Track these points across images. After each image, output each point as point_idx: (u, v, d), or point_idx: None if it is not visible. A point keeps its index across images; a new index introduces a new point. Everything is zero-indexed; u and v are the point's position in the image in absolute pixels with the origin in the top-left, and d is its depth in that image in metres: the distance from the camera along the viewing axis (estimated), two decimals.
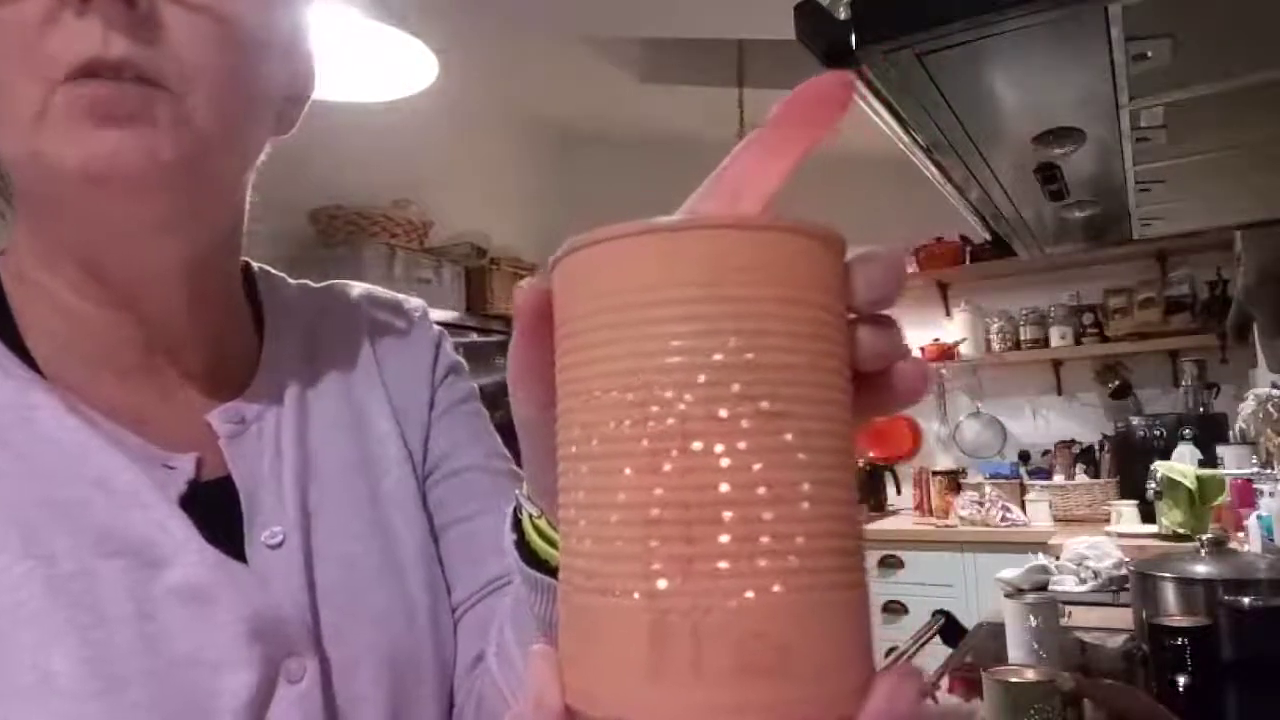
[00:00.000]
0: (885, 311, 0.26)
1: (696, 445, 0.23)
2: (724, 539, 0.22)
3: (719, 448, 0.23)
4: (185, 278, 0.48)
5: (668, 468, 0.23)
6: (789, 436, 0.23)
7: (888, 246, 0.27)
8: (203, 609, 0.43)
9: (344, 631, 0.48)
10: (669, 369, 0.23)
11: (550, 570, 0.37)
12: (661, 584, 0.23)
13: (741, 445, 0.23)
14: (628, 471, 0.23)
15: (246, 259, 0.58)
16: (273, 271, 0.61)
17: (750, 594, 0.22)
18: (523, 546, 0.39)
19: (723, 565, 0.22)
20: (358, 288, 0.63)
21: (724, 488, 0.23)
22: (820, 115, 0.29)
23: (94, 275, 0.46)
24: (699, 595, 0.22)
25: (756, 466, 0.23)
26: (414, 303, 0.65)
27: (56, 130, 0.40)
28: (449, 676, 0.53)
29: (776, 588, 0.22)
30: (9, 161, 0.43)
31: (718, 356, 0.23)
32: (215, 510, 0.47)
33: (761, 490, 0.23)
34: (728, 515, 0.22)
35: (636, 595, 0.23)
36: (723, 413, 0.23)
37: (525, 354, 0.30)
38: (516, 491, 0.39)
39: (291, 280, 0.62)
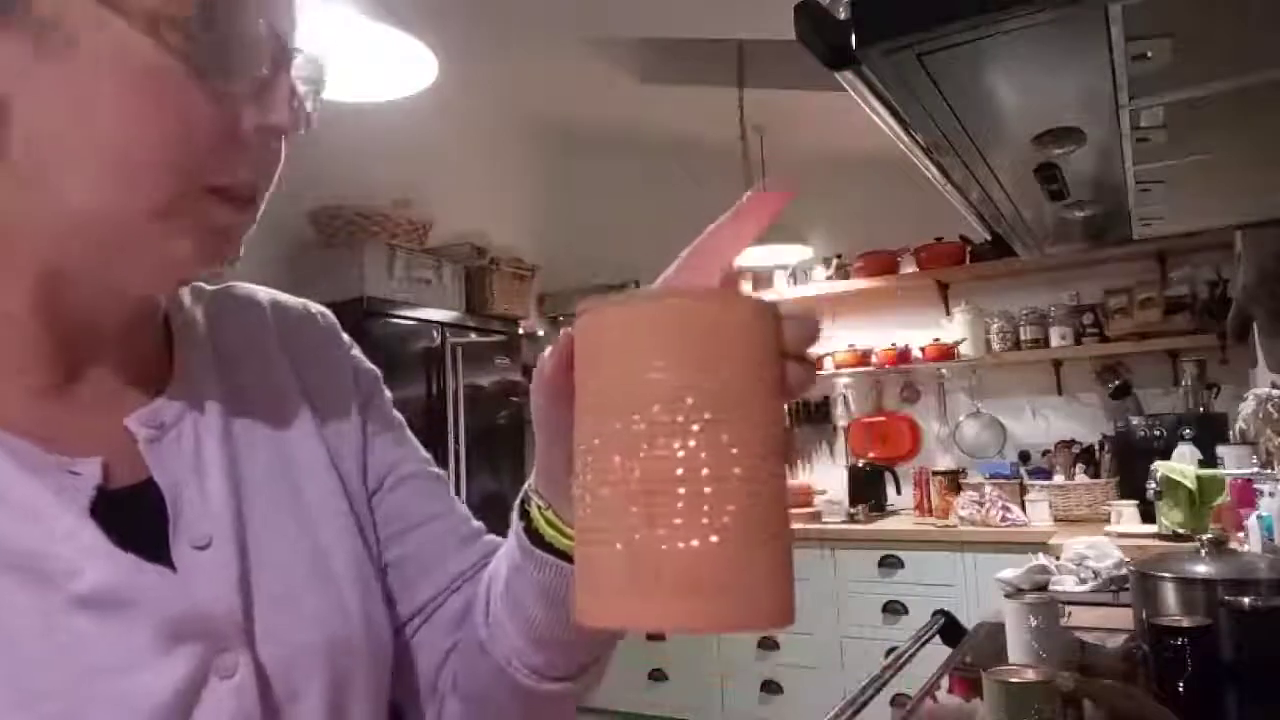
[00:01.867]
0: (808, 351, 0.38)
1: (660, 442, 0.34)
2: (679, 505, 0.34)
3: (675, 444, 0.34)
4: (121, 303, 0.50)
5: (642, 456, 0.34)
6: (725, 437, 0.34)
7: (805, 308, 0.44)
8: (116, 613, 0.43)
9: (279, 628, 0.49)
10: (646, 392, 0.35)
11: (555, 551, 0.48)
12: (636, 536, 0.34)
13: (691, 444, 0.34)
14: (616, 460, 0.35)
15: None
16: None
17: (695, 542, 0.33)
18: (530, 532, 0.49)
19: (677, 522, 0.34)
20: (261, 292, 0.62)
21: (679, 471, 0.34)
22: (763, 217, 0.44)
23: (50, 296, 0.46)
24: (660, 542, 0.34)
25: (701, 456, 0.34)
26: (319, 308, 0.65)
27: (184, 229, 0.44)
28: (384, 669, 0.55)
29: (713, 538, 0.34)
30: (66, 215, 0.43)
31: (678, 385, 0.34)
32: (134, 515, 0.46)
33: (704, 472, 0.34)
34: (680, 490, 0.34)
35: (618, 545, 0.34)
36: (679, 420, 0.34)
37: (555, 380, 0.42)
38: (526, 485, 0.50)
39: (196, 284, 0.60)
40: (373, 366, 0.66)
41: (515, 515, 0.51)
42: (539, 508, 0.49)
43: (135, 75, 0.41)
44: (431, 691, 0.60)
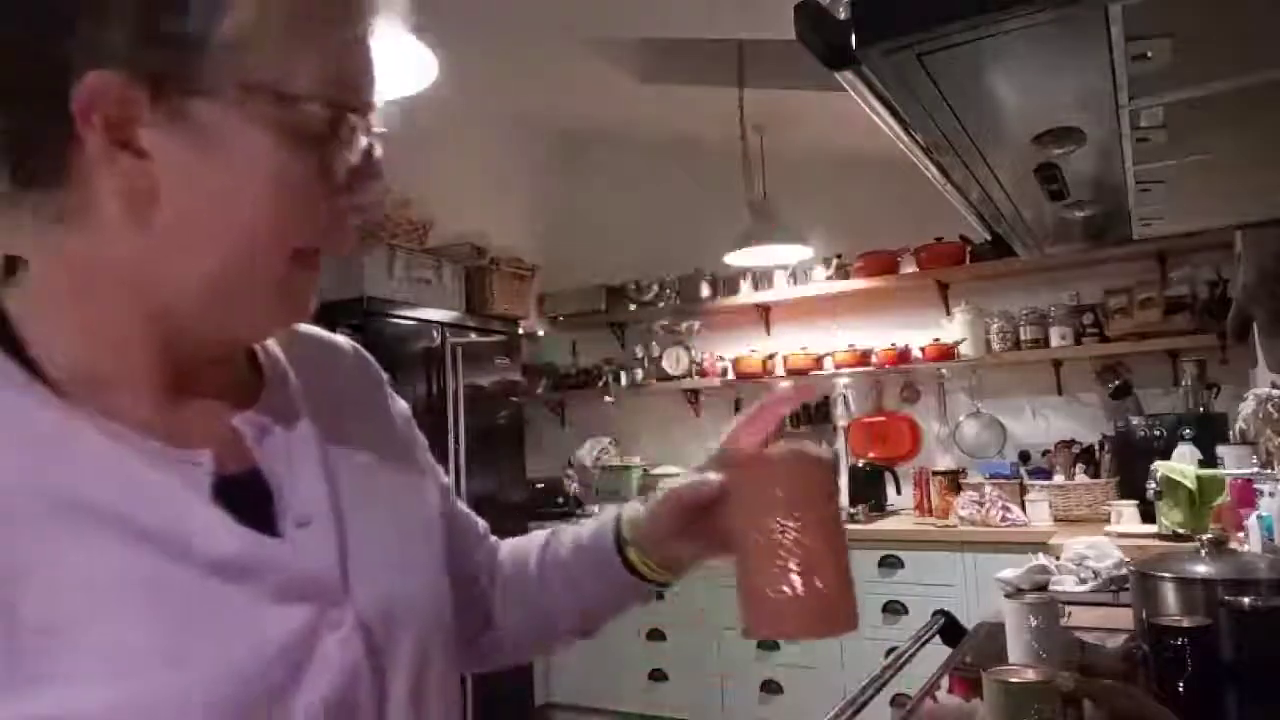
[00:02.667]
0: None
1: (791, 532, 0.61)
2: (798, 563, 0.60)
3: (794, 530, 0.61)
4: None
5: (778, 538, 0.61)
6: (821, 527, 0.62)
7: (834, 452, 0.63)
8: (243, 577, 0.51)
9: (374, 590, 0.58)
10: (775, 507, 0.62)
11: (643, 576, 0.74)
12: (781, 582, 0.60)
13: (807, 532, 0.61)
14: (763, 539, 0.61)
15: None
16: None
17: (818, 583, 0.60)
18: (625, 563, 0.73)
19: (799, 570, 0.60)
20: (315, 329, 0.73)
21: (799, 544, 0.61)
22: (784, 406, 0.73)
23: (170, 331, 0.55)
24: (792, 585, 0.60)
25: (810, 537, 0.61)
26: (352, 344, 0.76)
27: (293, 300, 0.56)
28: (451, 631, 0.66)
29: (828, 583, 0.61)
30: (206, 272, 0.52)
31: (796, 501, 0.62)
32: (246, 497, 0.54)
33: (809, 543, 0.61)
34: (798, 553, 0.61)
35: (769, 587, 0.61)
36: (797, 519, 0.61)
37: (714, 494, 0.66)
38: (619, 525, 0.74)
39: None
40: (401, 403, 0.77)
41: (611, 545, 0.74)
42: (637, 554, 0.73)
43: (272, 176, 0.51)
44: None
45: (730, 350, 4.35)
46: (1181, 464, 2.73)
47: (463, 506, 0.80)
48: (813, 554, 0.59)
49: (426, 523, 0.68)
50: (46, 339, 0.52)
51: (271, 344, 0.66)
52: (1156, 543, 2.61)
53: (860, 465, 3.92)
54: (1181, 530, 2.61)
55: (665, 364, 4.35)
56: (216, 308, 0.54)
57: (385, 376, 0.76)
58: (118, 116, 0.48)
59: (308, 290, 0.57)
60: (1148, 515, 2.89)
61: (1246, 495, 2.11)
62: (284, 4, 0.50)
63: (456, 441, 3.53)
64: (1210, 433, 2.94)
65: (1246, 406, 2.19)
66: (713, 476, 0.66)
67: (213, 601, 0.50)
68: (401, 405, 0.75)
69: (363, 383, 0.73)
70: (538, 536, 0.81)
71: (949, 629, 1.52)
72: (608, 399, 4.52)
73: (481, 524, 0.82)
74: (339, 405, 0.66)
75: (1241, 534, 1.93)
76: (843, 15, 0.64)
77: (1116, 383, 3.50)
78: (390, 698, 0.57)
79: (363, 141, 0.54)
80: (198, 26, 0.48)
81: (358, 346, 0.76)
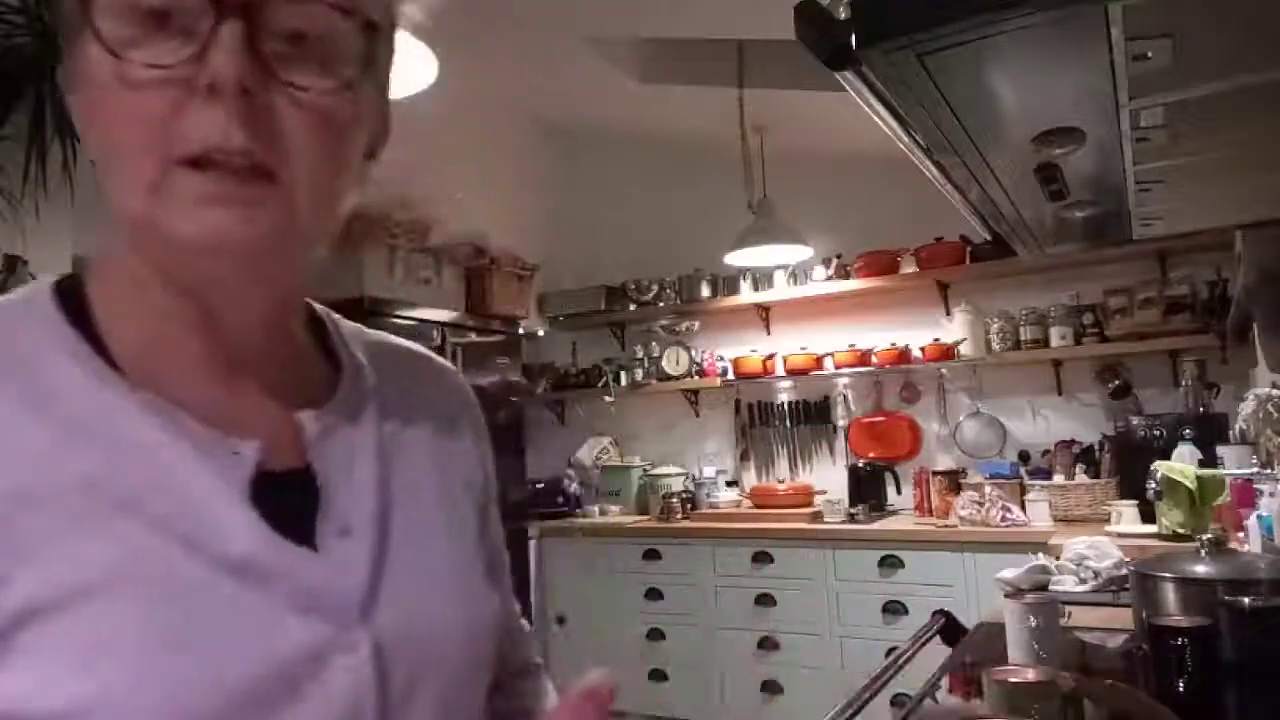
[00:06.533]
0: None
1: None
2: None
3: None
4: (265, 309, 0.55)
5: None
6: None
7: None
8: (255, 582, 0.48)
9: (404, 617, 0.53)
10: None
11: None
12: None
13: None
14: None
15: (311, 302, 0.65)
16: (331, 313, 0.67)
17: None
18: None
19: None
20: (414, 346, 0.71)
21: None
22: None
23: (185, 298, 0.52)
24: None
25: None
26: (451, 368, 0.73)
27: (172, 206, 0.46)
28: (484, 685, 0.60)
29: None
30: (122, 217, 0.49)
31: None
32: (287, 496, 0.52)
33: None
34: None
35: None
36: None
37: None
38: None
39: (349, 323, 0.68)
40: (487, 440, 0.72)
41: None
42: None
43: (97, 86, 0.47)
44: None
45: (730, 350, 4.34)
46: (1181, 464, 2.73)
47: (522, 624, 0.75)
48: None
49: (482, 560, 0.63)
50: (111, 319, 0.52)
51: (357, 348, 0.64)
52: (1156, 543, 2.61)
53: (860, 465, 3.92)
54: (1181, 530, 2.61)
55: (665, 364, 4.35)
56: (148, 244, 0.50)
57: (480, 416, 0.72)
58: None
59: (224, 204, 0.47)
60: (1148, 515, 2.89)
61: (1246, 495, 2.11)
62: None
63: None
64: (1210, 433, 2.94)
65: (1246, 406, 2.19)
66: None
67: (218, 603, 0.47)
68: (487, 460, 0.70)
69: (450, 408, 0.69)
70: None
71: (949, 629, 1.53)
72: (608, 399, 4.52)
73: (530, 659, 0.75)
74: (419, 421, 0.63)
75: (1241, 534, 1.93)
76: (843, 15, 0.64)
77: (1116, 383, 3.50)
78: None
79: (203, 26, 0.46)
80: None
81: (458, 374, 0.73)
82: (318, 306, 0.65)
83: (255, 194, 0.47)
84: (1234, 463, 2.54)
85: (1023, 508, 3.32)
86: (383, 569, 0.53)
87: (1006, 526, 3.23)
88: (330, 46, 0.49)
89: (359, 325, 0.68)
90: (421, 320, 3.53)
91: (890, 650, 1.51)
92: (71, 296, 0.53)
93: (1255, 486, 2.04)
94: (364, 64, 0.51)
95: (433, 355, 0.71)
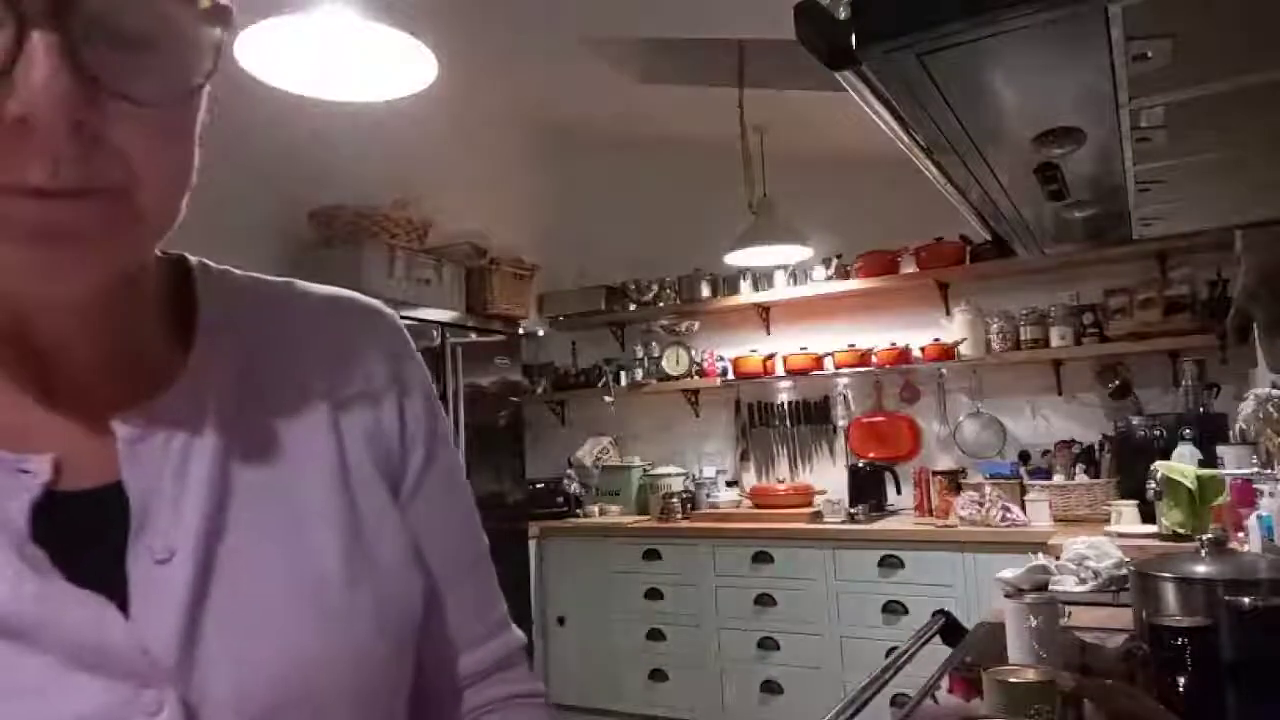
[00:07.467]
0: None
1: None
2: None
3: None
4: (85, 304, 0.45)
5: None
6: None
7: None
8: (16, 639, 0.40)
9: (231, 661, 0.44)
10: None
11: None
12: None
13: None
14: None
15: (185, 254, 0.54)
16: (221, 269, 0.56)
17: None
18: None
19: None
20: (308, 286, 0.59)
21: None
22: None
23: None
24: None
25: None
26: (371, 303, 0.61)
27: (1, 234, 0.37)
28: (395, 710, 0.51)
29: None
30: None
31: None
32: (88, 520, 0.44)
33: None
34: None
35: None
36: None
37: None
38: None
39: (242, 276, 0.56)
40: (423, 369, 0.61)
41: None
42: None
43: None
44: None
45: (730, 350, 4.35)
46: (1181, 464, 2.73)
47: (479, 590, 0.63)
48: None
49: (399, 547, 0.53)
50: None
51: (238, 312, 0.53)
52: (1156, 543, 2.61)
53: (860, 465, 3.92)
54: (1181, 530, 2.61)
55: (665, 364, 4.35)
56: None
57: (416, 368, 0.60)
58: None
59: (38, 238, 0.37)
60: (1148, 515, 2.89)
61: (1246, 495, 2.11)
62: None
63: (456, 442, 3.54)
64: (1210, 433, 2.94)
65: (1246, 406, 2.19)
66: None
67: None
68: (421, 416, 0.58)
69: (366, 365, 0.56)
70: None
71: (949, 629, 1.52)
72: (608, 399, 4.52)
73: (503, 643, 0.66)
74: (306, 395, 0.53)
75: (1241, 534, 1.93)
76: (843, 15, 0.64)
77: (1116, 383, 3.50)
78: None
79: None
80: None
81: (388, 318, 0.60)
82: (193, 261, 0.54)
83: (91, 225, 0.38)
84: (1234, 463, 2.54)
85: (1023, 508, 3.32)
86: (204, 601, 0.44)
87: (1006, 526, 3.23)
88: (170, 45, 0.40)
89: (257, 276, 0.57)
90: (421, 320, 3.53)
91: (890, 650, 1.51)
92: None
93: (1255, 486, 2.04)
94: (215, 59, 0.41)
95: (357, 297, 0.60)
